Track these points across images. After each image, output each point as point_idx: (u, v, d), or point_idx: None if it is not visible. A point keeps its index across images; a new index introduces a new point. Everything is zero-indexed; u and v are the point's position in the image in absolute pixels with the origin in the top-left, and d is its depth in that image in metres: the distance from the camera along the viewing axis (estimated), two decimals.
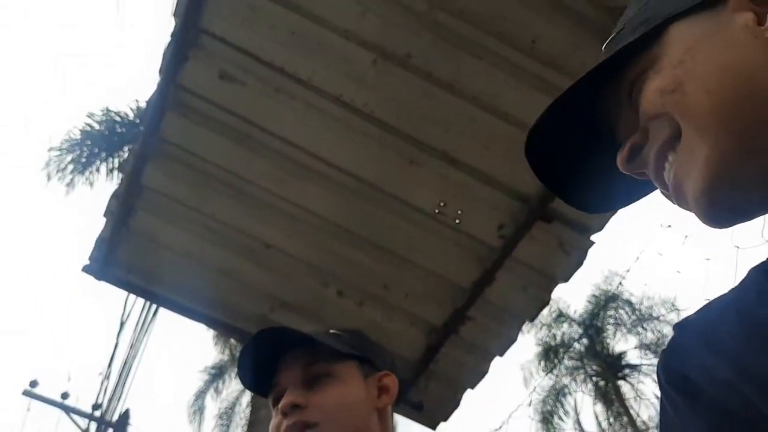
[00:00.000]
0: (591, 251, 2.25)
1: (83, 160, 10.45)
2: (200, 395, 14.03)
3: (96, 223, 2.30)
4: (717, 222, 0.51)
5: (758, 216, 0.52)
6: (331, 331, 1.07)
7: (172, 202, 2.13)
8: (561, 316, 16.42)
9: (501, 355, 2.54)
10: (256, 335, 1.00)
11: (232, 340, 11.97)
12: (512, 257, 2.25)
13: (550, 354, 16.24)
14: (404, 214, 2.18)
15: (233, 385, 13.93)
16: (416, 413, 2.65)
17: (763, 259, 0.54)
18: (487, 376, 2.66)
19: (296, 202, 2.18)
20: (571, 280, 2.35)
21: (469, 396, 2.66)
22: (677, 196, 0.51)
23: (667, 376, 0.53)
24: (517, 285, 2.33)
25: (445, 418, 2.71)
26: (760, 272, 0.53)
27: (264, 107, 1.97)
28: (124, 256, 2.26)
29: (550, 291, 2.35)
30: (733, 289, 0.54)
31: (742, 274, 0.56)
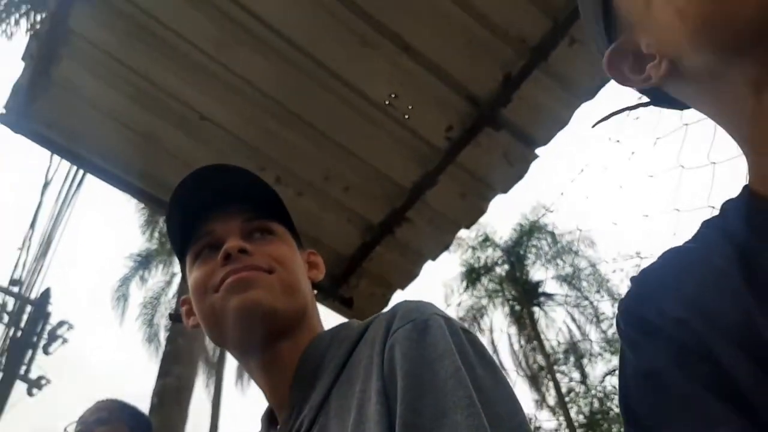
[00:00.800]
0: (533, 165, 2.24)
1: (1, 8, 9.61)
2: (125, 282, 13.88)
3: (13, 72, 2.09)
4: None
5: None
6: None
7: (101, 54, 1.94)
8: (486, 240, 16.96)
9: (434, 259, 2.54)
10: (206, 167, 0.91)
11: (162, 227, 11.78)
12: (456, 162, 2.21)
13: (472, 275, 16.86)
14: (351, 101, 2.08)
15: (159, 275, 13.83)
16: (345, 309, 2.66)
17: (714, 214, 0.56)
18: (416, 280, 2.69)
19: (239, 72, 2.04)
20: (510, 192, 2.35)
21: (397, 296, 2.68)
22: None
23: (626, 320, 0.56)
24: (456, 191, 2.30)
25: None
26: (710, 227, 0.55)
27: None
28: (44, 108, 2.07)
29: (489, 200, 2.34)
30: (689, 241, 0.56)
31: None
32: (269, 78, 2.04)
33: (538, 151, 2.16)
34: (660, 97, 0.61)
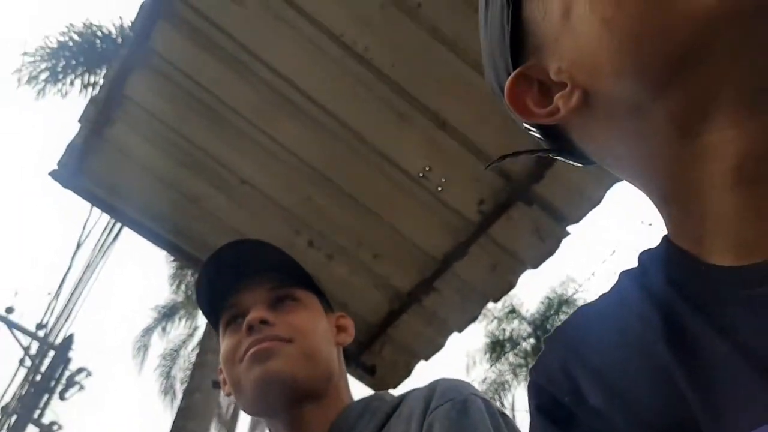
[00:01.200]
0: (564, 242, 2.23)
1: (58, 70, 10.15)
2: (147, 332, 13.95)
3: (67, 132, 2.21)
4: None
5: None
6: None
7: (151, 118, 2.05)
8: (513, 312, 16.63)
9: (460, 331, 2.52)
10: (229, 243, 0.96)
11: (189, 281, 11.91)
12: (487, 234, 2.22)
13: (497, 347, 16.45)
14: (387, 172, 2.13)
15: (181, 328, 13.87)
16: (367, 376, 2.64)
17: (633, 264, 0.50)
18: (441, 350, 2.66)
19: (279, 139, 2.12)
20: (540, 267, 2.34)
21: (420, 367, 2.65)
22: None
23: (536, 394, 0.48)
24: (487, 263, 2.30)
25: (395, 386, 2.70)
26: (631, 281, 0.48)
27: (261, 33, 1.90)
28: (93, 166, 2.18)
29: (518, 275, 2.33)
30: (607, 293, 0.50)
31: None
32: (308, 146, 2.11)
33: (569, 228, 2.17)
34: (562, 143, 0.51)
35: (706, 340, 0.39)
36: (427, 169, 2.09)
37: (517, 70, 0.48)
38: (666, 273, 0.44)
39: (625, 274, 0.49)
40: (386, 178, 2.15)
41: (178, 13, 1.81)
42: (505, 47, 0.49)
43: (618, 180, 2.00)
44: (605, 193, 2.01)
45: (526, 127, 0.53)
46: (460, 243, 2.27)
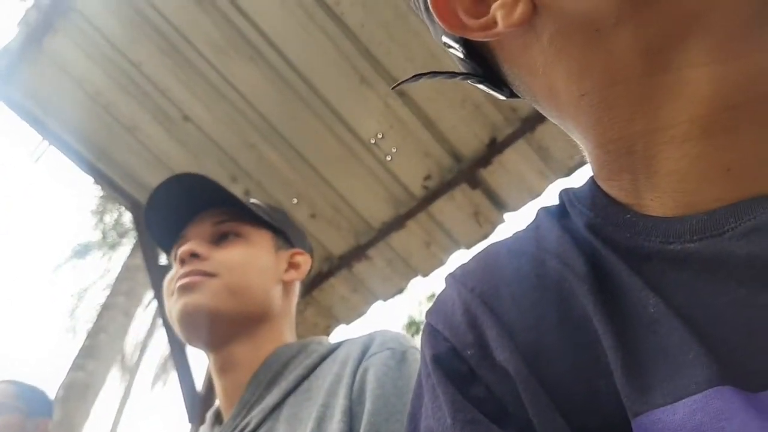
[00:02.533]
0: (499, 228, 2.29)
1: None
2: (57, 269, 13.33)
3: (2, 36, 2.03)
4: None
5: None
6: (252, 200, 1.02)
7: (98, 35, 1.92)
8: (433, 297, 17.05)
9: (385, 300, 2.55)
10: (176, 176, 0.92)
11: (107, 221, 11.41)
12: (427, 210, 2.24)
13: (412, 327, 16.89)
14: (338, 133, 2.10)
15: (95, 267, 13.31)
16: None
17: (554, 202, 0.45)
18: (362, 318, 2.68)
19: (231, 81, 2.04)
20: (472, 249, 2.39)
21: (339, 330, 2.67)
22: None
23: (434, 350, 0.40)
24: (422, 238, 2.33)
25: None
26: (550, 216, 0.43)
27: None
28: (26, 77, 2.02)
29: (450, 254, 2.37)
30: (522, 232, 0.44)
31: None
32: (262, 93, 2.04)
33: (506, 215, 2.22)
34: (485, 66, 0.44)
35: (633, 296, 0.34)
36: (380, 136, 2.08)
37: None
38: (589, 217, 0.39)
39: (544, 211, 0.43)
40: (336, 139, 2.12)
41: None
42: None
43: (562, 176, 2.07)
44: (546, 186, 2.06)
45: (445, 42, 0.43)
46: (399, 215, 2.27)
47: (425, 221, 2.27)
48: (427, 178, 2.15)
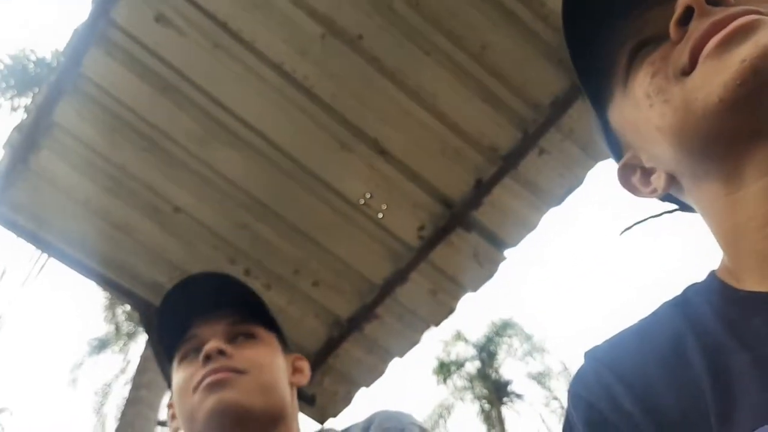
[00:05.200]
0: (502, 266, 2.29)
1: None
2: (78, 367, 13.26)
3: None
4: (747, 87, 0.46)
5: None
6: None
7: (80, 146, 1.97)
8: (459, 335, 16.84)
9: (401, 356, 2.52)
10: (194, 275, 0.94)
11: (119, 314, 11.41)
12: (427, 260, 2.24)
13: (443, 369, 16.60)
14: (327, 199, 2.13)
15: (114, 361, 13.25)
16: (307, 406, 2.59)
17: (677, 293, 0.56)
18: (382, 377, 2.65)
19: (215, 167, 2.08)
20: (479, 291, 2.38)
21: (361, 394, 2.63)
22: (735, 35, 0.47)
23: (574, 403, 0.53)
24: (427, 288, 2.32)
25: (335, 414, 2.66)
26: (671, 307, 0.55)
27: (198, 61, 1.87)
28: (17, 195, 2.06)
29: (458, 299, 2.36)
30: (644, 318, 0.56)
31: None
32: (245, 174, 2.08)
33: (506, 252, 2.22)
34: (680, 204, 0.63)
35: (732, 353, 0.46)
36: (368, 196, 2.10)
37: (620, 163, 0.61)
38: (708, 299, 0.52)
39: (664, 303, 0.57)
40: (326, 206, 2.14)
41: (112, 39, 1.76)
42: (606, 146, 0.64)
43: (554, 205, 2.08)
44: (541, 218, 2.07)
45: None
46: (400, 269, 2.28)
47: (427, 271, 2.27)
48: (422, 228, 2.16)
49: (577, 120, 1.85)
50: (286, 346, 0.99)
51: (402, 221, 2.16)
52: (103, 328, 13.11)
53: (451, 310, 2.40)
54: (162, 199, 2.14)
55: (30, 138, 1.90)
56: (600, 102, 0.61)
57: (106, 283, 2.28)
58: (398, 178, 2.05)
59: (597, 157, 1.93)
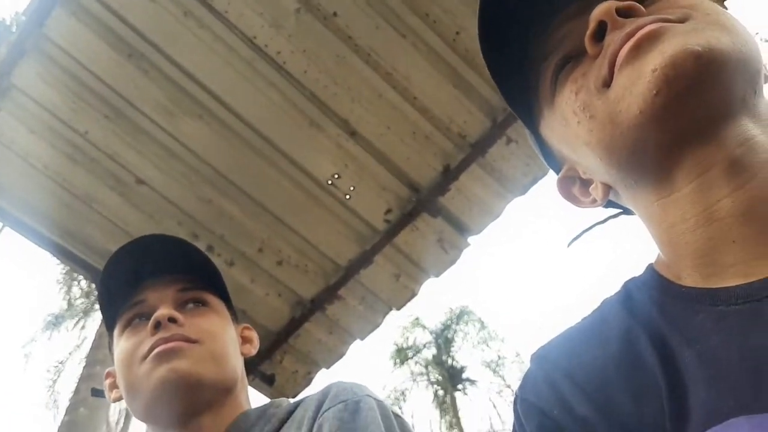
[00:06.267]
0: (465, 252, 2.31)
1: None
2: (30, 342, 12.94)
3: None
4: (674, 91, 0.46)
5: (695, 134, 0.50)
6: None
7: (40, 109, 1.90)
8: (417, 321, 17.00)
9: (362, 339, 2.53)
10: (142, 237, 0.90)
11: (74, 290, 11.15)
12: (393, 244, 2.25)
13: (401, 355, 16.74)
14: (295, 177, 2.11)
15: (69, 338, 12.96)
16: (266, 386, 2.58)
17: (617, 289, 0.57)
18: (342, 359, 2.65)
19: (181, 139, 2.03)
20: (441, 276, 2.40)
21: (321, 375, 2.63)
22: (643, 42, 0.48)
23: (524, 411, 0.52)
24: (391, 272, 2.33)
25: (294, 395, 2.65)
26: (615, 304, 0.55)
27: (167, 29, 1.82)
28: None
29: (421, 283, 2.38)
30: (589, 316, 0.56)
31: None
32: (212, 148, 2.04)
33: (470, 239, 2.24)
34: (622, 207, 0.65)
35: (680, 349, 0.46)
36: (336, 176, 2.09)
37: (560, 175, 0.63)
38: (650, 294, 0.53)
39: (607, 300, 0.57)
40: (294, 185, 2.12)
41: (78, 0, 1.70)
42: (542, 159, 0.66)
43: (519, 194, 2.10)
44: (505, 206, 2.10)
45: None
46: (365, 251, 2.28)
47: (392, 254, 2.28)
48: (388, 211, 2.17)
49: None
50: (235, 315, 0.97)
51: (369, 203, 2.16)
52: (59, 304, 12.80)
53: (413, 294, 2.41)
54: (124, 170, 2.09)
55: None
56: (530, 117, 0.62)
57: (62, 254, 2.22)
58: (367, 159, 2.04)
59: None
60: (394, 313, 2.45)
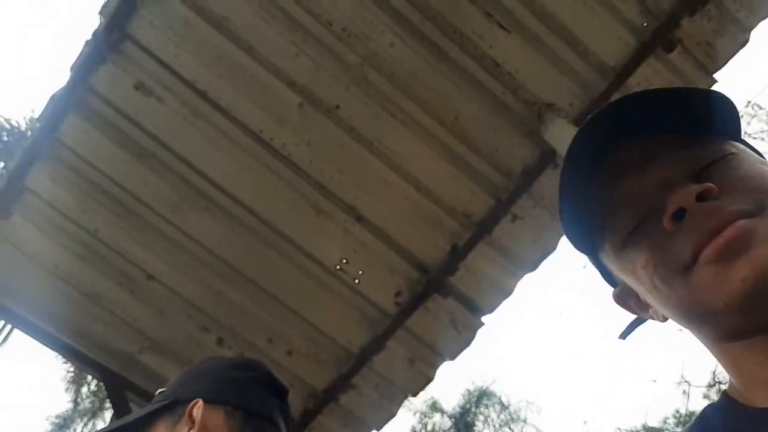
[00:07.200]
0: (479, 332, 2.27)
1: None
2: None
3: None
4: (746, 306, 0.51)
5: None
6: (160, 390, 0.96)
7: (52, 211, 1.94)
8: (435, 405, 16.44)
9: (378, 429, 2.44)
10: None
11: (84, 391, 10.91)
12: (404, 327, 2.22)
13: None
14: (303, 265, 2.11)
15: None
16: None
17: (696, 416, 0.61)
18: None
19: (190, 234, 2.06)
20: (457, 359, 2.35)
21: None
22: (731, 247, 0.51)
23: None
24: (405, 357, 2.28)
25: None
26: (693, 427, 0.59)
27: (176, 128, 1.88)
28: None
29: (436, 367, 2.32)
30: None
31: None
32: (221, 240, 2.06)
33: (483, 318, 2.21)
34: None
35: None
36: (344, 261, 2.09)
37: (618, 289, 0.64)
38: (722, 416, 0.58)
39: (690, 425, 0.61)
40: (302, 272, 2.12)
41: (90, 106, 1.77)
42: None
43: (528, 270, 2.09)
44: (516, 283, 2.08)
45: None
46: (377, 336, 2.24)
47: (404, 338, 2.24)
48: (398, 294, 2.15)
49: (547, 187, 1.89)
50: (183, 402, 0.91)
51: (378, 287, 2.15)
52: (65, 406, 12.50)
53: (429, 380, 2.35)
54: (134, 266, 2.10)
55: (1, 203, 1.87)
56: (591, 244, 0.64)
57: (72, 354, 2.20)
58: (375, 243, 2.05)
59: None
60: (410, 399, 2.38)
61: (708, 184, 0.53)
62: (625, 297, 0.64)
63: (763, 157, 0.61)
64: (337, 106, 1.83)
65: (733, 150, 0.57)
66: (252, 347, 2.27)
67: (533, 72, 1.72)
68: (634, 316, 0.71)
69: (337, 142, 1.89)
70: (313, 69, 1.83)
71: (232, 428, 0.89)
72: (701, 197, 0.52)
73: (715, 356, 0.59)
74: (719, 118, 0.59)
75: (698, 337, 0.60)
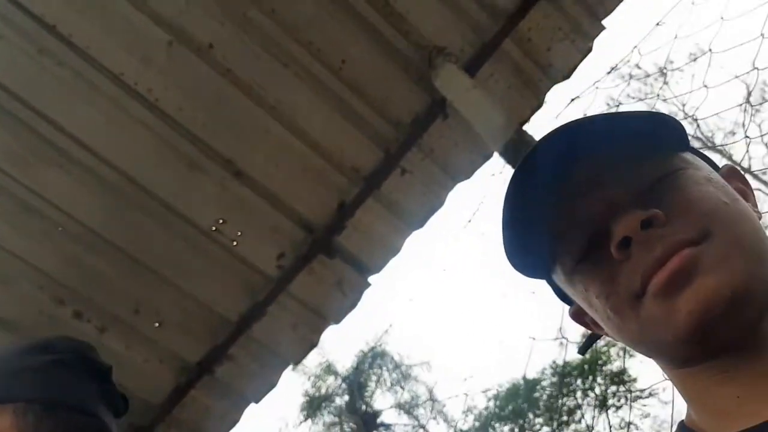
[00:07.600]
0: (366, 293, 2.21)
1: None
2: None
3: None
4: (699, 328, 0.51)
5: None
6: None
7: None
8: (329, 368, 16.46)
9: (257, 401, 2.32)
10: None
11: None
12: (287, 291, 2.10)
13: (312, 405, 16.04)
14: (173, 226, 1.92)
15: None
16: None
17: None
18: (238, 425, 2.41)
19: (40, 193, 1.79)
20: (342, 322, 2.27)
21: None
22: (676, 279, 0.52)
23: None
24: (287, 323, 2.17)
25: None
26: None
27: (21, 68, 1.62)
28: None
29: (321, 332, 2.23)
30: None
31: None
32: (78, 200, 1.82)
33: (370, 279, 2.15)
34: None
35: None
36: (221, 222, 1.93)
37: (573, 308, 0.66)
38: None
39: None
40: (173, 234, 1.93)
41: None
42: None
43: (417, 227, 2.05)
44: (404, 241, 2.03)
45: None
46: (257, 303, 2.11)
47: (287, 303, 2.12)
48: (281, 256, 2.02)
49: (437, 139, 1.85)
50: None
51: (259, 249, 2.01)
52: None
53: (312, 345, 2.26)
54: None
55: None
56: (542, 269, 0.66)
57: None
58: (255, 201, 1.91)
59: (457, 178, 1.95)
60: (304, 363, 2.27)
61: (654, 210, 0.53)
62: (581, 314, 0.65)
63: (713, 164, 0.62)
64: (211, 45, 1.66)
65: (682, 165, 0.57)
66: (116, 320, 2.04)
67: (424, 13, 1.66)
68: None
69: (211, 87, 1.72)
70: (184, 4, 1.64)
71: (21, 429, 0.74)
72: (646, 224, 0.53)
73: (671, 381, 0.61)
74: (662, 134, 0.59)
75: (655, 362, 0.61)
